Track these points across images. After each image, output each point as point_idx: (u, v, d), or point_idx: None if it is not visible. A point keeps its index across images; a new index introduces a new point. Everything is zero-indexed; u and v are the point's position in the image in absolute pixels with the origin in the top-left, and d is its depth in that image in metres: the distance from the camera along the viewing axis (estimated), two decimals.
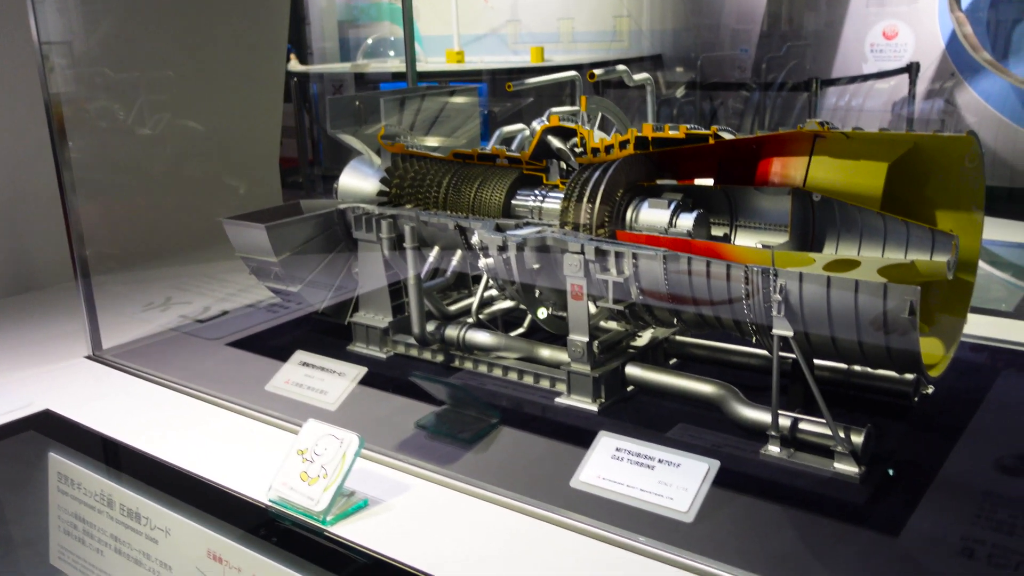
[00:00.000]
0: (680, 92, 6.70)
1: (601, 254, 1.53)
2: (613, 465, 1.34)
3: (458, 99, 2.17)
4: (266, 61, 3.10)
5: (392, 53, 8.67)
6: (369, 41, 8.82)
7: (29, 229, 2.48)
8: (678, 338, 1.80)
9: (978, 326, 1.91)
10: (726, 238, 1.61)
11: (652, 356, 1.75)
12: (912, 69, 5.19)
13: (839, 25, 5.82)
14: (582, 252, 1.55)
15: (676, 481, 1.29)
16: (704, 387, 1.57)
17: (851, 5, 5.72)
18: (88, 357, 2.01)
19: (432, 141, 2.10)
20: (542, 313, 1.71)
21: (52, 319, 2.24)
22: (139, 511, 1.41)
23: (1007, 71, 5.04)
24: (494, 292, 1.96)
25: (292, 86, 9.12)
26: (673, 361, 1.82)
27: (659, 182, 1.65)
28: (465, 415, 1.60)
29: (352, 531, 1.27)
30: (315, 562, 1.23)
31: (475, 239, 1.68)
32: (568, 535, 1.27)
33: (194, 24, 2.81)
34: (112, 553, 1.47)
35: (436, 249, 1.85)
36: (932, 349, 1.47)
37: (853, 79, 5.55)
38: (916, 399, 1.58)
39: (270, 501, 1.33)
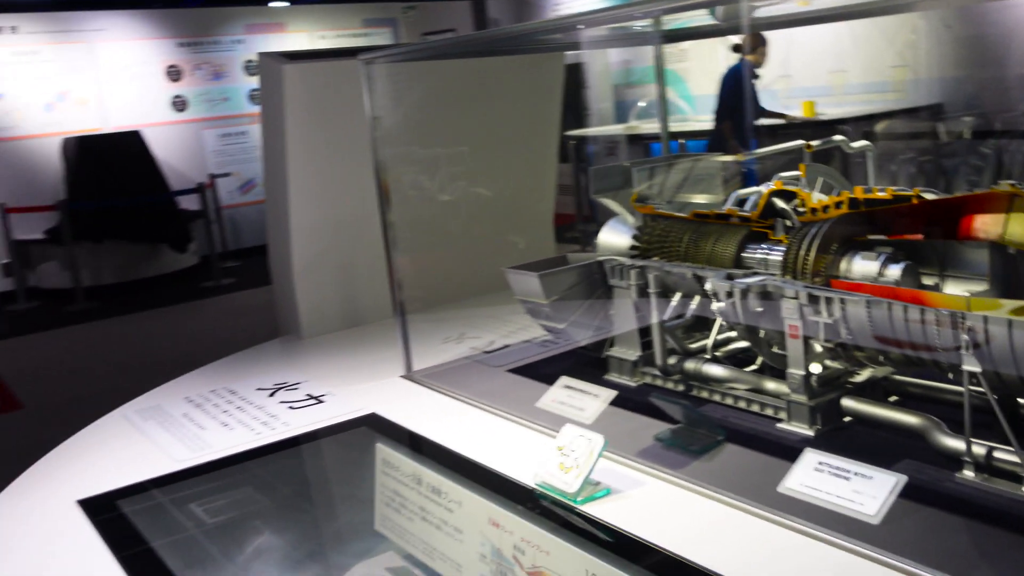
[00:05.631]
0: (966, 132, 6.52)
1: (813, 299, 1.80)
2: (815, 475, 1.60)
3: (703, 163, 2.50)
4: (542, 130, 3.60)
5: None
6: (641, 103, 9.33)
7: (359, 276, 3.12)
8: (896, 377, 2.00)
9: None
10: (936, 287, 1.81)
11: (871, 392, 1.97)
12: None
13: None
14: (797, 297, 1.82)
15: (868, 491, 1.52)
16: (910, 418, 1.77)
17: None
18: (402, 376, 2.55)
19: (684, 200, 2.44)
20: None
21: (378, 347, 2.82)
22: (440, 488, 1.86)
23: None
24: (733, 333, 2.25)
25: (570, 148, 9.81)
26: (893, 398, 2.01)
27: (871, 237, 1.88)
28: (696, 432, 1.91)
29: (596, 510, 1.63)
30: (568, 530, 1.60)
31: (708, 286, 2.00)
32: (772, 528, 1.54)
33: (483, 103, 3.36)
34: (419, 520, 1.92)
35: (678, 295, 2.19)
36: None
37: None
38: None
39: (536, 484, 1.73)
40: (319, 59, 3.06)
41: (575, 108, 10.50)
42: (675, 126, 8.80)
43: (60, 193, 8.58)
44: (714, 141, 7.19)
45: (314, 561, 1.89)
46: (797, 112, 8.18)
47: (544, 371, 2.43)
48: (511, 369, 2.49)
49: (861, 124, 7.06)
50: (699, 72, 9.62)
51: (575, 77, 10.44)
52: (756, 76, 7.13)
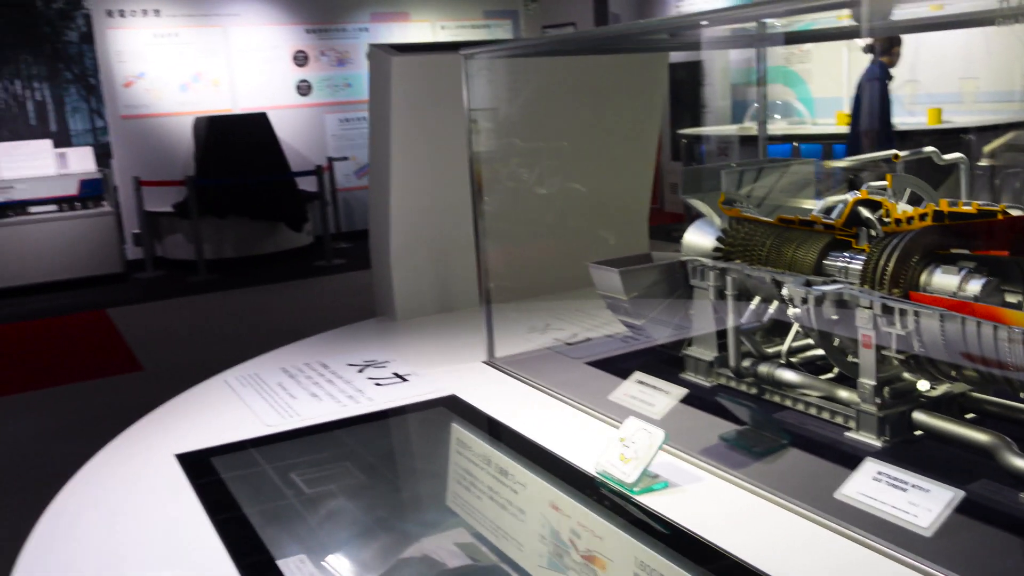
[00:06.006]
0: None
1: (887, 310, 1.79)
2: (872, 484, 1.60)
3: (795, 169, 2.49)
4: (642, 128, 3.63)
5: (778, 116, 8.91)
6: (757, 104, 9.16)
7: (453, 263, 3.23)
8: (975, 394, 1.96)
9: None
10: (1020, 305, 1.78)
11: (947, 408, 1.94)
12: None
13: None
14: (871, 307, 1.82)
15: (923, 503, 1.52)
16: (980, 436, 1.74)
17: None
18: (484, 362, 2.64)
19: (774, 205, 2.44)
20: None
21: (465, 332, 2.92)
22: (507, 470, 1.94)
23: None
24: (810, 339, 2.25)
25: (683, 146, 9.71)
26: (970, 416, 1.98)
27: (954, 251, 1.86)
28: (761, 434, 1.93)
29: (652, 501, 1.68)
30: (624, 518, 1.65)
31: (785, 291, 2.01)
32: (823, 532, 1.56)
33: (584, 99, 3.41)
34: (487, 499, 2.01)
35: (757, 298, 2.20)
36: None
37: None
38: None
39: (596, 472, 1.79)
40: (426, 52, 3.18)
41: (692, 106, 10.39)
42: (791, 129, 8.61)
43: (189, 169, 9.06)
44: (852, 146, 6.99)
45: (385, 529, 2.00)
46: (922, 118, 7.90)
47: (622, 366, 2.47)
48: (590, 362, 2.54)
49: (987, 134, 6.78)
50: (821, 74, 9.38)
51: (694, 74, 10.33)
52: (890, 77, 6.90)
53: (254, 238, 9.13)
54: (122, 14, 9.26)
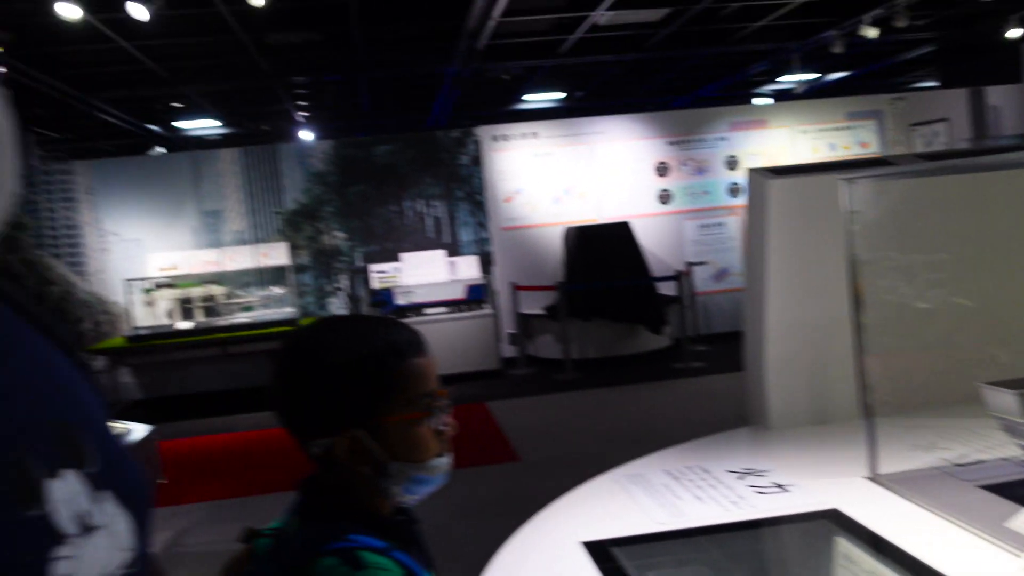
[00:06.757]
0: None
1: None
2: None
3: None
4: None
5: None
6: None
7: (829, 376, 3.27)
8: None
9: None
10: None
11: None
12: None
13: None
14: None
15: None
16: None
17: None
18: (866, 478, 2.65)
19: None
20: None
21: (843, 446, 2.94)
22: None
23: None
24: None
25: None
26: None
27: None
28: None
29: None
30: None
31: None
32: None
33: (970, 206, 3.33)
34: None
35: None
36: None
37: None
38: None
39: None
40: (801, 174, 3.32)
41: None
42: None
43: (559, 275, 9.82)
44: None
45: None
46: None
47: (1020, 492, 2.36)
48: (983, 485, 2.46)
49: None
50: None
51: None
52: None
53: (616, 340, 9.60)
54: (505, 138, 10.42)
